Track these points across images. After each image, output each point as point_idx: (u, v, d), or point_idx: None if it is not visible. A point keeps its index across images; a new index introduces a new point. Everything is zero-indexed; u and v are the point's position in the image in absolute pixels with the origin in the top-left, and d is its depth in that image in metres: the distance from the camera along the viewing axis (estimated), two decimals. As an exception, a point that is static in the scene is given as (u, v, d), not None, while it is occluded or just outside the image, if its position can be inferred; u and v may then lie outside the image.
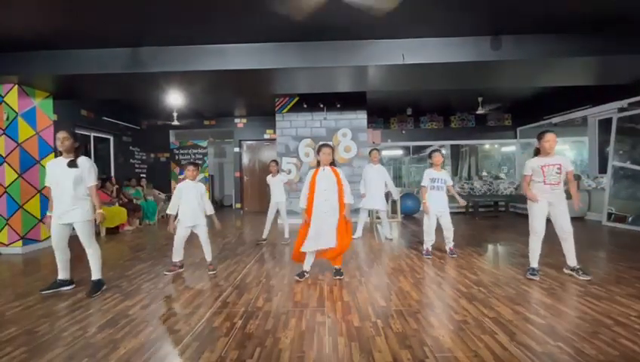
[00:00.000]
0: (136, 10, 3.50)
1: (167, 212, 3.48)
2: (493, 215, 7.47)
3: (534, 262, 3.11)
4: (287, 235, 5.02)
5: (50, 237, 4.91)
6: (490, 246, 4.50)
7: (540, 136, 3.10)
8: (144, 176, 8.43)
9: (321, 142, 3.26)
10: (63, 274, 2.99)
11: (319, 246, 3.08)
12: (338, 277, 3.16)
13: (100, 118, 6.94)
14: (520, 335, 2.00)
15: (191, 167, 3.50)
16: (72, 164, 2.82)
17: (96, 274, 2.96)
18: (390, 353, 1.84)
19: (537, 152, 3.15)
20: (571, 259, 3.09)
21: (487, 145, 9.89)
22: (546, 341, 1.93)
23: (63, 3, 3.32)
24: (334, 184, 3.05)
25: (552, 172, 3.00)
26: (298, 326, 2.20)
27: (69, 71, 4.47)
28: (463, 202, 4.15)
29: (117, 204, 6.31)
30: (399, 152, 10.42)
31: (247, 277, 3.29)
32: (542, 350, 1.84)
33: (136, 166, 8.49)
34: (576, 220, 6.62)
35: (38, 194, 4.85)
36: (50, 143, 5.07)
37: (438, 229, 4.02)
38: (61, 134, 2.85)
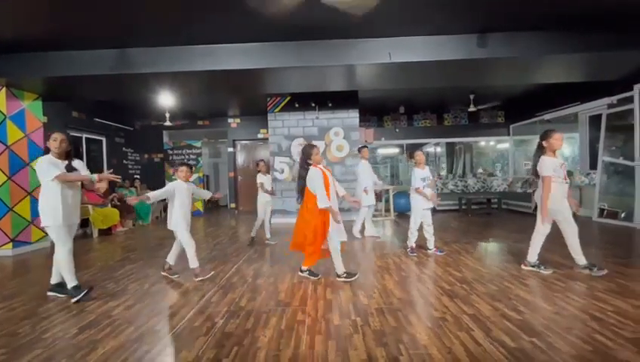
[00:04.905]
0: (124, 11, 3.49)
1: (150, 196, 3.19)
2: (485, 212, 7.49)
3: (583, 259, 3.05)
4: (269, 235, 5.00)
5: (42, 238, 4.95)
6: (478, 244, 4.51)
7: (549, 135, 3.02)
8: (138, 176, 8.43)
9: (309, 143, 3.25)
10: (73, 279, 2.80)
11: (343, 238, 3.11)
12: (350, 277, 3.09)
13: (92, 119, 6.93)
14: (496, 332, 2.02)
15: (184, 168, 3.34)
16: (71, 169, 2.77)
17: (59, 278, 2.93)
18: (365, 351, 1.86)
19: (543, 150, 3.08)
20: (534, 255, 3.19)
21: (482, 142, 9.89)
22: (520, 336, 1.95)
23: (51, 5, 3.32)
24: (334, 180, 3.14)
25: (565, 170, 3.06)
26: (278, 325, 2.22)
27: (58, 73, 4.47)
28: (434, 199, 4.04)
29: (109, 205, 6.32)
30: (396, 150, 10.42)
31: (234, 277, 3.31)
32: (515, 345, 1.86)
33: (130, 167, 8.49)
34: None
35: (28, 197, 4.85)
36: (40, 145, 5.07)
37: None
38: (59, 136, 2.73)
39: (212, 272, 3.28)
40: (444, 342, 1.93)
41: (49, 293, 2.91)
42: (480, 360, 1.73)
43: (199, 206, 8.93)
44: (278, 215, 6.81)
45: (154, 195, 3.19)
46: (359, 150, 5.36)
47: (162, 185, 9.38)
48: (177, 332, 2.17)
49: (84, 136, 6.98)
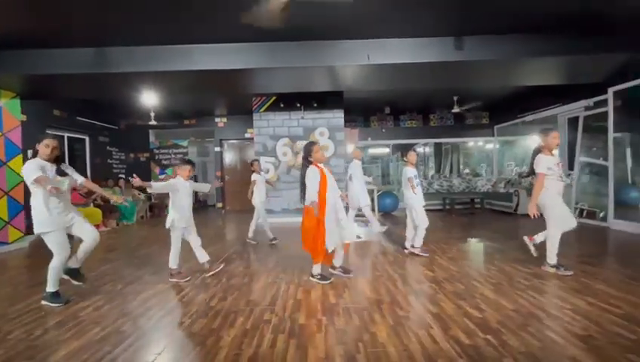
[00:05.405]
0: (102, 10, 3.48)
1: (152, 185, 3.11)
2: (469, 212, 7.60)
3: (555, 258, 3.14)
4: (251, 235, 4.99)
5: (20, 238, 4.89)
6: (457, 244, 4.57)
7: (546, 133, 3.14)
8: (122, 176, 8.36)
9: (309, 141, 3.24)
10: (55, 286, 2.72)
11: (345, 240, 3.06)
12: (346, 274, 3.15)
13: (74, 118, 6.86)
14: (454, 329, 2.08)
15: (188, 166, 3.28)
16: (62, 172, 2.72)
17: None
18: (324, 349, 1.90)
19: (541, 149, 3.19)
20: (542, 237, 3.29)
21: (470, 142, 9.99)
22: (476, 334, 2.01)
23: (28, 3, 3.29)
24: (333, 179, 3.11)
25: (561, 168, 3.16)
26: (244, 324, 2.25)
27: (35, 71, 4.43)
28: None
29: (91, 205, 6.26)
30: (386, 150, 10.48)
31: (209, 277, 3.32)
32: (469, 342, 1.91)
33: (115, 166, 8.41)
34: (542, 217, 6.70)
35: (5, 196, 4.79)
36: (17, 144, 5.01)
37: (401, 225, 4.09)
38: (51, 142, 2.64)
39: (188, 277, 3.25)
40: (402, 339, 1.98)
41: (63, 276, 2.83)
42: (433, 358, 1.78)
43: (186, 205, 8.90)
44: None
45: (155, 186, 3.15)
46: (354, 149, 5.38)
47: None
48: (142, 332, 2.18)
49: (66, 135, 6.91)
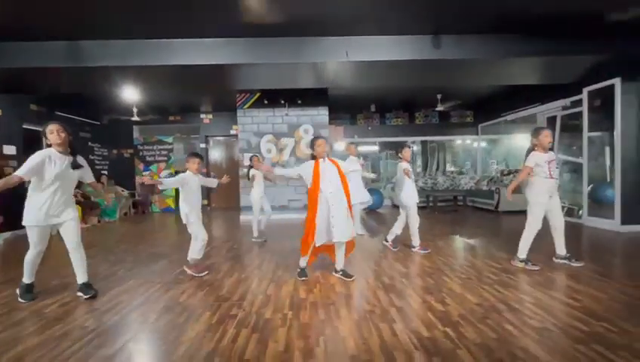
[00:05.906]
0: (78, 1, 3.41)
1: (162, 184, 3.10)
2: (452, 209, 7.70)
3: (525, 253, 3.22)
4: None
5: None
6: (435, 240, 4.61)
7: (538, 132, 3.16)
8: (105, 172, 8.23)
9: (313, 136, 3.23)
10: (31, 278, 2.72)
11: (333, 239, 2.93)
12: (347, 278, 2.99)
13: (53, 112, 6.72)
14: (416, 322, 2.11)
15: (197, 160, 3.24)
16: (77, 166, 2.66)
17: (85, 276, 2.81)
18: (285, 343, 1.91)
19: (534, 147, 3.20)
20: (562, 248, 3.30)
21: (455, 140, 10.09)
22: (436, 327, 2.05)
23: None
24: (337, 174, 3.02)
25: (554, 166, 3.16)
26: (209, 319, 2.25)
27: (9, 64, 4.33)
28: None
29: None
30: (374, 147, 10.52)
31: (184, 273, 3.30)
32: (428, 335, 1.95)
33: (97, 162, 8.27)
34: (522, 214, 6.78)
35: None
36: (-9, 139, 4.90)
37: (390, 221, 4.12)
38: (55, 126, 2.53)
39: (206, 272, 3.23)
40: (363, 333, 2.00)
41: (78, 293, 2.76)
42: (390, 350, 1.81)
43: (170, 203, 8.82)
44: (248, 212, 6.79)
45: (166, 182, 3.10)
46: (348, 145, 5.36)
47: (132, 181, 9.11)
48: (105, 328, 2.16)
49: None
